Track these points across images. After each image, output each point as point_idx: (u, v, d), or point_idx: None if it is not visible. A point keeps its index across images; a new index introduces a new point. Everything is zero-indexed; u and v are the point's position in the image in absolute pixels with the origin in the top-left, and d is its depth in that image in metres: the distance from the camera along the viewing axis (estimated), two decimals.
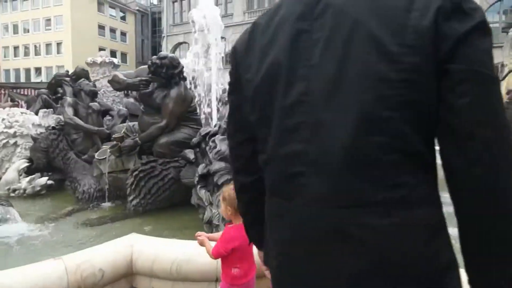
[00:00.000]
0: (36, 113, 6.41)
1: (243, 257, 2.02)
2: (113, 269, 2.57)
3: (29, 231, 3.60)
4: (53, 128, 5.34)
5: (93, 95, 5.45)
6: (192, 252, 2.62)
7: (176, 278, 2.63)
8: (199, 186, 3.48)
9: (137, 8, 41.61)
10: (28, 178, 4.91)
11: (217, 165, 3.58)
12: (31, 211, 4.27)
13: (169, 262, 2.60)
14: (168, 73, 4.36)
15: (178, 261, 2.59)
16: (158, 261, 2.64)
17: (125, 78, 4.44)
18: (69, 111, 5.12)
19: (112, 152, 4.41)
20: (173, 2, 31.64)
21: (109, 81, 4.59)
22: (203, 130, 4.08)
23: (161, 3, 35.76)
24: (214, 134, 4.02)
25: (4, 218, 3.67)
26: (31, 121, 5.92)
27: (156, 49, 45.47)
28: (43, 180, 4.97)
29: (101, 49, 38.45)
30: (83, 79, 5.70)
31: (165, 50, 32.40)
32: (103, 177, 4.62)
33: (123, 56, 40.89)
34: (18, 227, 3.65)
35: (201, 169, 3.57)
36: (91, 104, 5.23)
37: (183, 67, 4.55)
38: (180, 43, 31.75)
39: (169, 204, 4.34)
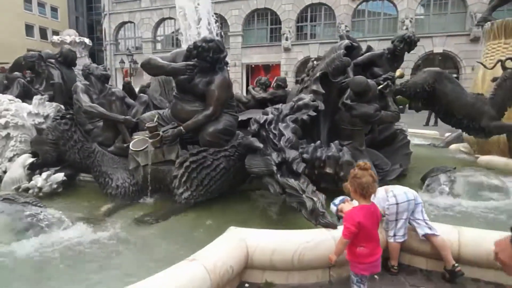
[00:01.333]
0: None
1: (368, 237, 2.17)
2: (239, 265, 2.51)
3: (93, 234, 3.21)
4: (62, 117, 4.72)
5: (105, 79, 4.90)
6: (315, 240, 2.65)
7: (295, 267, 2.67)
8: (279, 175, 3.41)
9: None
10: (44, 175, 4.31)
11: (292, 153, 3.55)
12: (64, 212, 3.80)
13: (291, 251, 2.62)
14: (214, 58, 4.12)
15: (301, 249, 2.61)
16: (278, 252, 2.64)
17: (168, 63, 4.08)
18: (85, 98, 4.55)
19: (154, 142, 4.07)
20: None
21: (143, 66, 4.16)
22: (260, 118, 3.97)
23: None
24: (271, 122, 3.96)
25: (53, 222, 3.24)
26: (25, 110, 5.14)
27: (93, 27, 41.57)
28: (60, 176, 4.41)
29: (28, 25, 33.96)
30: (90, 62, 5.09)
31: (107, 29, 29.90)
32: (138, 170, 4.27)
33: (55, 34, 36.67)
34: (77, 230, 3.25)
35: (275, 157, 3.50)
36: (113, 90, 4.69)
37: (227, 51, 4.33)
38: (124, 23, 29.48)
39: (217, 195, 4.19)
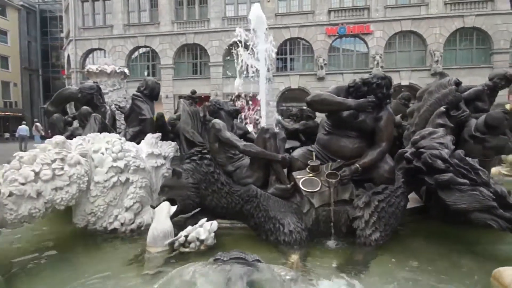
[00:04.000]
0: None
1: None
2: None
3: None
4: (202, 157, 4.25)
5: (236, 115, 4.57)
6: None
7: None
8: (499, 210, 3.40)
9: (21, 3, 34.66)
10: (207, 225, 3.78)
11: (501, 187, 3.59)
12: None
13: None
14: (385, 94, 4.09)
15: None
16: None
17: (348, 99, 3.96)
18: (235, 136, 4.18)
19: (335, 183, 3.84)
20: (83, 2, 27.68)
21: (313, 102, 3.96)
22: (441, 154, 3.95)
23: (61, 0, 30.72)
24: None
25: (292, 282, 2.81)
26: (143, 151, 4.54)
27: (48, 53, 38.68)
28: (216, 225, 3.90)
29: None
30: (216, 97, 4.72)
31: (73, 56, 28.07)
32: (310, 213, 3.96)
33: (4, 59, 33.43)
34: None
35: (487, 192, 3.50)
36: (266, 127, 4.35)
37: None
38: (93, 49, 27.95)
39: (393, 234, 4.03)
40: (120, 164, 4.25)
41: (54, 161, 3.73)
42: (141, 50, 27.76)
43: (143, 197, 4.42)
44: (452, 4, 24.89)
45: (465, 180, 3.62)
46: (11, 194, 3.35)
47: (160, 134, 4.90)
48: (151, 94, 5.68)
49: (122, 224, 4.26)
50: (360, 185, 4.08)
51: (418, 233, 4.49)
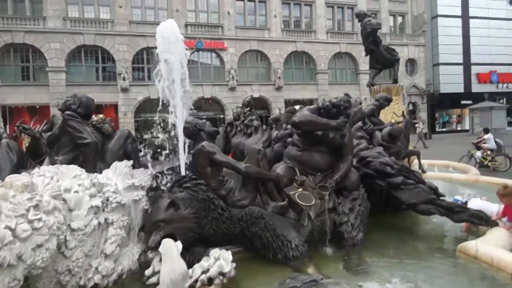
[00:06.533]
0: None
1: None
2: None
3: None
4: (196, 183, 3.91)
5: (215, 136, 4.41)
6: None
7: None
8: (438, 201, 4.60)
9: None
10: (228, 255, 3.52)
11: (431, 182, 4.84)
12: None
13: None
14: (348, 114, 4.83)
15: None
16: None
17: (328, 120, 4.45)
18: (229, 158, 4.02)
19: (327, 194, 4.29)
20: None
21: (301, 123, 4.25)
22: (388, 161, 4.98)
23: None
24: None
25: None
26: (119, 183, 3.75)
27: None
28: (230, 255, 3.68)
29: None
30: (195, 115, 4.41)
31: None
32: (307, 225, 4.26)
33: None
34: None
35: (427, 188, 4.67)
36: (257, 147, 4.26)
37: None
38: None
39: None
40: (97, 202, 3.43)
41: (28, 210, 2.73)
42: None
43: (124, 238, 3.69)
44: (287, 31, 29.57)
45: (412, 181, 4.74)
46: None
47: (131, 161, 4.15)
48: (86, 113, 4.68)
49: (103, 277, 3.44)
50: (336, 193, 4.68)
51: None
